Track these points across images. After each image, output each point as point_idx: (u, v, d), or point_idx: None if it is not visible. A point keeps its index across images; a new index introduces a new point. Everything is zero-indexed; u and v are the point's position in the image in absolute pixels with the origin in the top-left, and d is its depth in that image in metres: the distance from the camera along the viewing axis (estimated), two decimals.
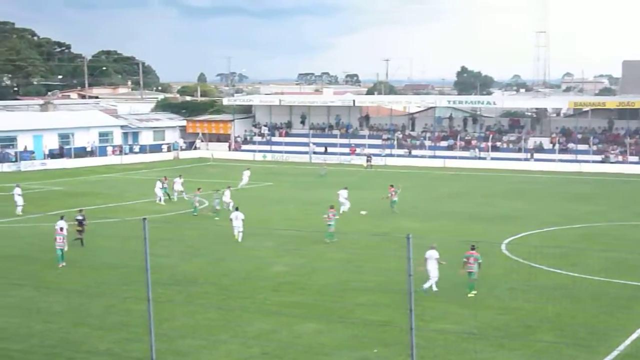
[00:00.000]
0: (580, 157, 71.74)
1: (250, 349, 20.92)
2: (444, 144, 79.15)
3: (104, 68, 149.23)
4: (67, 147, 78.54)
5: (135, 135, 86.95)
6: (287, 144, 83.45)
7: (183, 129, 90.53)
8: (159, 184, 49.92)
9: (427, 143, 79.12)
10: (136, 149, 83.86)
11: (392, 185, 46.49)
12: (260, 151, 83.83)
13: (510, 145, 76.74)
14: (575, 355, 20.12)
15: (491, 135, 77.59)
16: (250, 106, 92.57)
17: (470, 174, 68.09)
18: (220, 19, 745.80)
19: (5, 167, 71.85)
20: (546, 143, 75.34)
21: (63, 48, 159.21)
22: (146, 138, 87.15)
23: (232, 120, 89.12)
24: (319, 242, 35.30)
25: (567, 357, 20.00)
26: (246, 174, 58.05)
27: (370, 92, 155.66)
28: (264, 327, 22.81)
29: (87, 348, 21.08)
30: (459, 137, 78.59)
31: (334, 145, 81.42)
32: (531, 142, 75.72)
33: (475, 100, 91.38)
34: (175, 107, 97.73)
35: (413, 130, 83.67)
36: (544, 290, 26.04)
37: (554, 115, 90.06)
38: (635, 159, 70.43)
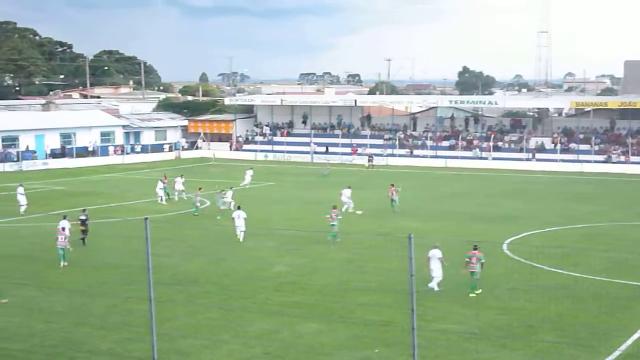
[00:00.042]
0: (582, 157, 71.70)
1: (251, 348, 20.93)
2: (445, 144, 79.13)
3: (106, 68, 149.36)
4: (69, 146, 78.58)
5: (137, 135, 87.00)
6: (288, 143, 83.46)
7: (185, 129, 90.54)
8: (160, 184, 49.95)
9: (429, 143, 79.09)
10: (138, 148, 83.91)
11: (392, 185, 46.51)
12: (261, 151, 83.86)
13: (512, 145, 76.71)
14: (576, 355, 20.11)
15: (493, 135, 77.56)
16: (252, 106, 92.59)
17: (471, 174, 68.07)
18: (222, 18, 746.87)
19: (7, 167, 71.93)
20: (548, 143, 75.32)
21: (65, 48, 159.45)
22: (148, 138, 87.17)
23: (234, 120, 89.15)
24: (320, 242, 35.30)
25: (568, 357, 20.00)
26: (249, 174, 58.13)
27: (372, 92, 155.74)
28: (266, 327, 22.82)
29: (88, 348, 21.09)
30: (460, 137, 78.55)
31: (335, 145, 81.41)
32: (533, 142, 75.69)
33: (477, 100, 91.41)
34: (176, 107, 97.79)
35: (415, 130, 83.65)
36: (545, 290, 26.03)
37: (556, 115, 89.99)
38: (637, 159, 70.35)
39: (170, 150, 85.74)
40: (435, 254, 26.34)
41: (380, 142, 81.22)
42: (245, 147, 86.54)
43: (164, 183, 50.02)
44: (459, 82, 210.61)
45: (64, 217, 33.79)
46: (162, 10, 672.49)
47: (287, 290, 27.06)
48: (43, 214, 44.69)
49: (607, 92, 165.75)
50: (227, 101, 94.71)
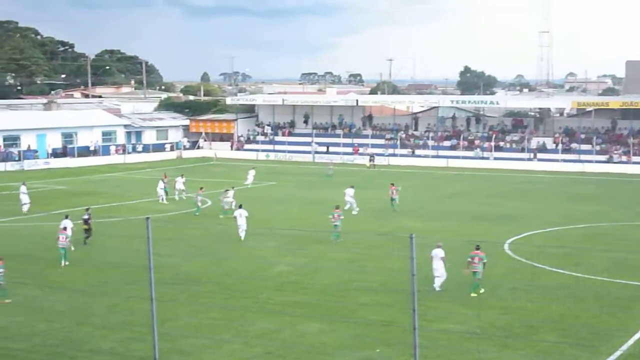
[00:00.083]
0: (583, 157, 71.67)
1: (253, 348, 20.93)
2: (447, 143, 79.13)
3: (107, 67, 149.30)
4: (71, 146, 78.60)
5: (139, 134, 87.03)
6: (290, 143, 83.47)
7: (186, 129, 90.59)
8: (160, 184, 50.00)
9: (430, 143, 79.09)
10: (139, 148, 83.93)
11: (392, 184, 46.51)
12: (263, 150, 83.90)
13: (514, 145, 76.69)
14: (578, 355, 20.11)
15: (494, 135, 77.53)
16: (254, 106, 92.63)
17: (473, 174, 68.06)
18: (223, 18, 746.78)
19: (9, 166, 71.98)
20: (549, 143, 75.30)
21: (66, 47, 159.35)
22: (149, 137, 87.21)
23: (235, 120, 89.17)
24: (321, 241, 35.30)
25: (570, 357, 19.99)
26: (251, 173, 58.18)
27: (373, 91, 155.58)
28: (267, 326, 22.82)
29: (90, 347, 21.11)
30: (462, 137, 78.53)
31: (337, 144, 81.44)
32: (534, 142, 75.66)
33: (479, 100, 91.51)
34: (178, 107, 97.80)
35: (416, 130, 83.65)
36: (546, 290, 26.02)
37: (557, 115, 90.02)
38: (638, 159, 70.29)
39: (172, 149, 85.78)
40: (438, 253, 26.36)
41: (381, 141, 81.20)
42: (246, 146, 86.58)
43: (164, 182, 50.06)
44: (461, 82, 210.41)
45: (66, 217, 33.84)
46: (163, 10, 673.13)
47: (288, 290, 27.06)
48: (44, 213, 44.71)
49: (608, 92, 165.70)
50: (229, 101, 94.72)
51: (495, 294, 26.06)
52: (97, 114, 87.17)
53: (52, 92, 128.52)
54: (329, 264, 30.88)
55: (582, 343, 20.84)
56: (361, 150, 79.70)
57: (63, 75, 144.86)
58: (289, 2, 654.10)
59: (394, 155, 78.23)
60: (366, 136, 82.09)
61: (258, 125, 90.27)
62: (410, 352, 17.07)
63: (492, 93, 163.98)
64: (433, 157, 77.02)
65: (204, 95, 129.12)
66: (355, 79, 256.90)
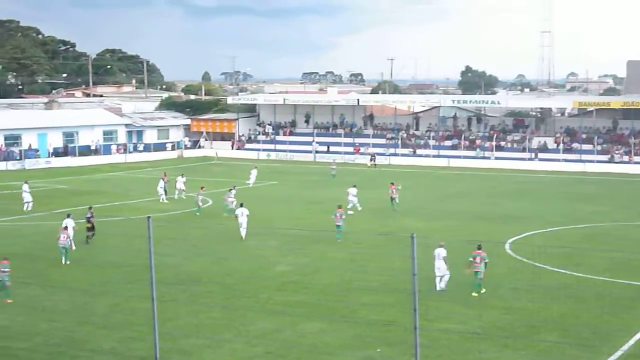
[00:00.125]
0: (584, 157, 71.63)
1: (254, 348, 20.95)
2: (448, 143, 79.10)
3: (109, 67, 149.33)
4: (72, 145, 78.59)
5: (140, 133, 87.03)
6: (291, 142, 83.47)
7: (187, 128, 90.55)
8: (161, 183, 50.04)
9: (431, 142, 79.08)
10: (140, 147, 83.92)
11: (392, 183, 46.52)
12: (264, 150, 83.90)
13: (515, 145, 76.66)
14: (579, 355, 20.12)
15: (495, 135, 77.49)
16: (255, 105, 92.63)
17: (474, 174, 68.06)
18: (225, 18, 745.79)
19: (10, 165, 72.00)
20: (550, 143, 75.28)
21: (68, 46, 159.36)
22: (150, 137, 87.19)
23: (237, 119, 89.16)
24: (322, 241, 35.32)
25: (571, 357, 20.00)
26: (253, 173, 58.23)
27: (374, 91, 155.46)
28: (268, 326, 22.84)
29: (91, 347, 21.13)
30: (463, 137, 78.49)
31: (338, 144, 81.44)
32: (535, 141, 75.62)
33: (480, 99, 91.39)
34: (179, 106, 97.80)
35: (417, 129, 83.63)
36: (547, 290, 26.03)
37: (559, 115, 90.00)
38: (639, 159, 70.32)
39: (173, 149, 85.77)
40: (441, 252, 26.39)
41: (382, 141, 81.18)
42: (247, 146, 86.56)
43: (164, 181, 50.10)
44: (462, 82, 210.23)
45: (68, 216, 33.90)
46: (165, 10, 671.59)
47: (289, 290, 27.08)
48: (46, 212, 44.74)
49: (609, 92, 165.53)
50: (230, 100, 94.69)
51: (496, 293, 26.07)
52: (98, 113, 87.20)
53: (54, 91, 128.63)
54: (330, 263, 30.89)
55: (583, 343, 20.85)
56: (362, 149, 79.69)
57: (64, 75, 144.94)
58: (291, 1, 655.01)
59: (395, 154, 78.22)
60: (367, 136, 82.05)
61: (259, 125, 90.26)
62: (411, 352, 17.07)
63: (494, 93, 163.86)
64: (434, 156, 77.00)
65: (205, 94, 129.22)
66: (357, 78, 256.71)
